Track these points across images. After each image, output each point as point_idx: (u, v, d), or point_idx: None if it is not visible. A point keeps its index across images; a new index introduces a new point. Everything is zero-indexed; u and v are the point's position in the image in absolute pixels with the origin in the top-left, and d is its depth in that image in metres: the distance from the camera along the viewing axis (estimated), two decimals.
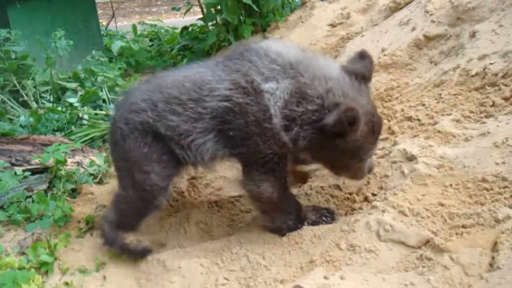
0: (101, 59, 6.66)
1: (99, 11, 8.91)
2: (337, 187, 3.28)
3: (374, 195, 3.02)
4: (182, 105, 2.83)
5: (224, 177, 3.81)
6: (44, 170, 3.85)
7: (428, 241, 2.51)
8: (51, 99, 5.84)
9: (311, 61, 2.78)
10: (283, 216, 2.98)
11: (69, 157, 4.05)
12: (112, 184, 3.93)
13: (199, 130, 2.82)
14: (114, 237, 3.09)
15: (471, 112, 3.24)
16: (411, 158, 3.01)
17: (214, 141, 2.84)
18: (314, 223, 3.01)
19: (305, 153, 3.00)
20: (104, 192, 3.78)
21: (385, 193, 2.91)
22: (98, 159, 4.11)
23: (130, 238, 3.11)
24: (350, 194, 3.17)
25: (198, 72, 2.92)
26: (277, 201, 2.93)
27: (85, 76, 6.26)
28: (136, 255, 3.07)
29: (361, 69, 2.82)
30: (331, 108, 2.61)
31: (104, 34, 9.25)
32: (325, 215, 3.05)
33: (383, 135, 3.47)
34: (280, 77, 2.69)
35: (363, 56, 2.90)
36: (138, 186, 2.95)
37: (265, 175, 2.85)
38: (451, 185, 2.75)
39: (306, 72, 2.70)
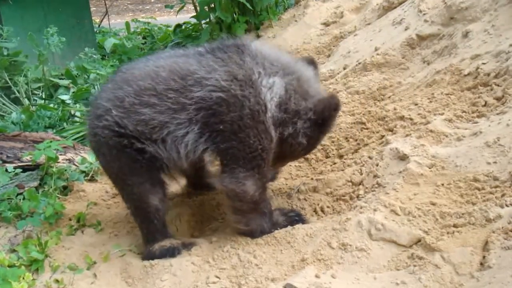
0: (94, 56, 6.65)
1: (92, 9, 8.90)
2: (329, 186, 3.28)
3: (366, 193, 3.02)
4: (158, 96, 2.75)
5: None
6: (35, 167, 3.84)
7: (419, 240, 2.51)
8: (43, 96, 5.82)
9: (299, 64, 2.99)
10: (259, 217, 2.94)
11: (61, 154, 4.04)
12: (103, 182, 3.91)
13: (180, 121, 2.74)
14: (149, 253, 3.02)
15: (463, 111, 3.25)
16: (403, 158, 3.01)
17: (197, 133, 2.76)
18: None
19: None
20: (95, 190, 3.77)
21: (377, 192, 2.91)
22: (89, 156, 4.10)
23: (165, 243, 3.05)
24: (343, 195, 3.16)
25: (176, 62, 2.86)
26: (257, 201, 2.88)
27: (77, 73, 6.24)
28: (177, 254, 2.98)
29: None
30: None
31: (97, 32, 9.23)
32: (295, 220, 3.02)
33: (376, 134, 3.48)
34: (277, 74, 2.79)
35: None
36: (129, 197, 2.97)
37: (250, 172, 2.80)
38: (442, 184, 2.76)
39: (299, 71, 2.88)
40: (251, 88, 2.72)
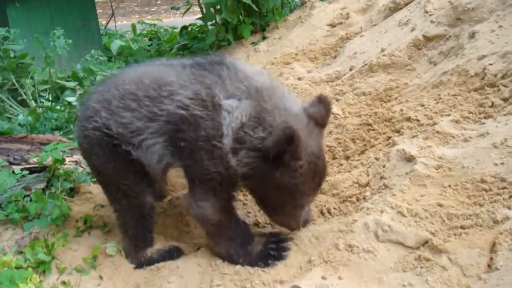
0: (100, 58, 6.64)
1: (99, 10, 8.92)
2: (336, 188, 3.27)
3: (372, 195, 3.01)
4: (137, 101, 2.75)
5: None
6: (42, 169, 3.84)
7: (426, 242, 2.50)
8: (50, 98, 5.84)
9: (276, 90, 2.74)
10: (225, 243, 2.83)
11: (67, 156, 4.04)
12: None
13: (152, 130, 2.73)
14: (140, 260, 3.02)
15: (470, 112, 3.24)
16: (410, 159, 3.00)
17: (163, 145, 2.73)
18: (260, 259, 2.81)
19: (244, 184, 2.79)
20: (102, 191, 3.77)
21: (383, 194, 2.90)
22: None
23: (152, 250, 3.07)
24: (350, 197, 3.16)
25: (160, 71, 2.86)
26: (217, 225, 2.79)
27: (84, 75, 6.25)
28: (169, 259, 2.99)
29: (317, 113, 2.73)
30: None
31: (104, 33, 9.26)
32: (270, 255, 2.80)
33: (383, 135, 3.47)
34: (243, 97, 2.65)
35: (320, 100, 2.80)
36: (125, 194, 2.94)
37: (206, 194, 2.72)
38: (449, 185, 2.75)
39: (269, 99, 2.66)
40: (211, 110, 2.63)
